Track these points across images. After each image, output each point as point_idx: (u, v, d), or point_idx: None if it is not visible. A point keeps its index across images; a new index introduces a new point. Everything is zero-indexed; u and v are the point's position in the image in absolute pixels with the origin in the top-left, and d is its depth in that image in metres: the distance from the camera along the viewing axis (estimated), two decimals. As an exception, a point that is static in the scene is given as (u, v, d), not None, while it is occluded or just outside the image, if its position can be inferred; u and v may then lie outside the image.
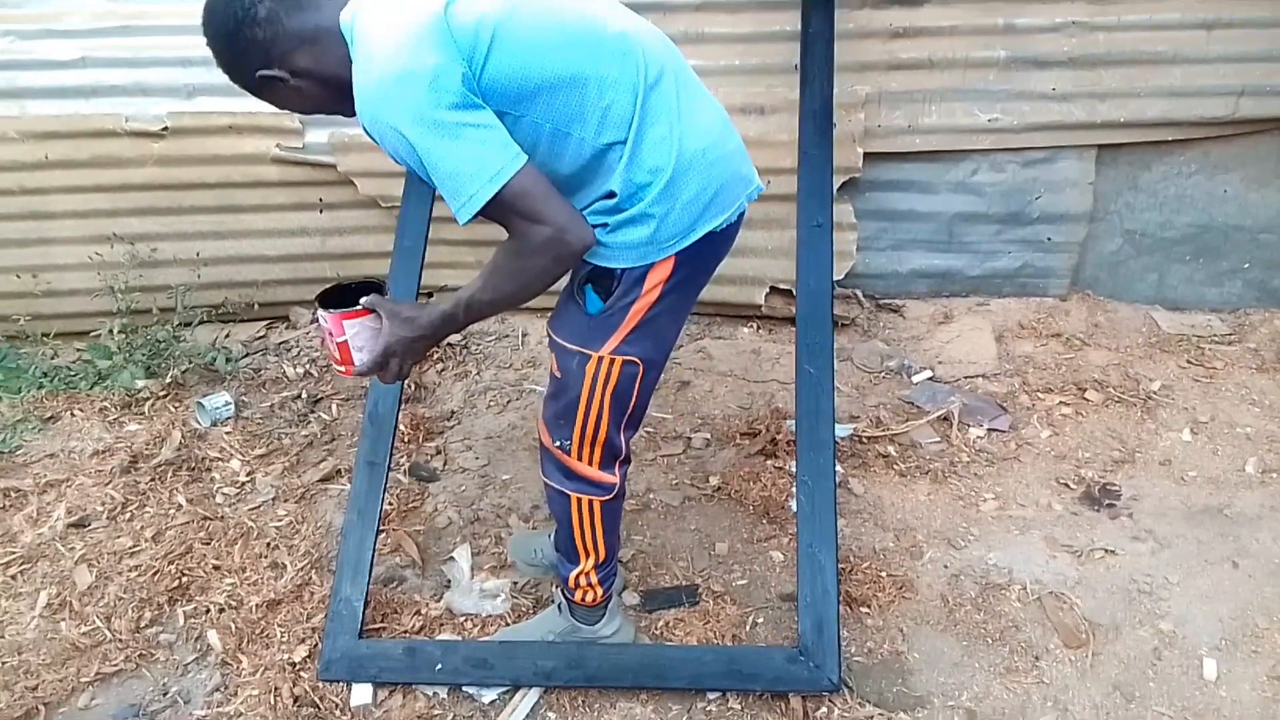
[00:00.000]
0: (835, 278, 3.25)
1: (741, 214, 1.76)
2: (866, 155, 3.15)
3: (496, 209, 1.47)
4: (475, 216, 1.47)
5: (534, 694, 2.07)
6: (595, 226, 1.58)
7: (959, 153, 3.21)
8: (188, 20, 3.12)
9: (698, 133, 1.62)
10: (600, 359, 1.71)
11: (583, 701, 2.05)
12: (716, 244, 1.72)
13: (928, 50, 3.05)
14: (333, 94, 1.57)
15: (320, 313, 1.71)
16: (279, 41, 1.52)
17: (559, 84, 1.50)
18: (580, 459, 1.84)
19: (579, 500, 1.89)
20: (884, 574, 2.32)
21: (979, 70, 3.07)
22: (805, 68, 2.65)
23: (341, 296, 1.72)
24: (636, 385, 1.76)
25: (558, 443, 1.84)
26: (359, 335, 1.69)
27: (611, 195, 1.58)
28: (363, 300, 1.69)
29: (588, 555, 1.97)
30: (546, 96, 1.50)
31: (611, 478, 1.88)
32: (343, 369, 1.74)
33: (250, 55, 1.53)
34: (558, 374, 1.79)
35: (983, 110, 3.12)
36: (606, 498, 1.90)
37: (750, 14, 3.04)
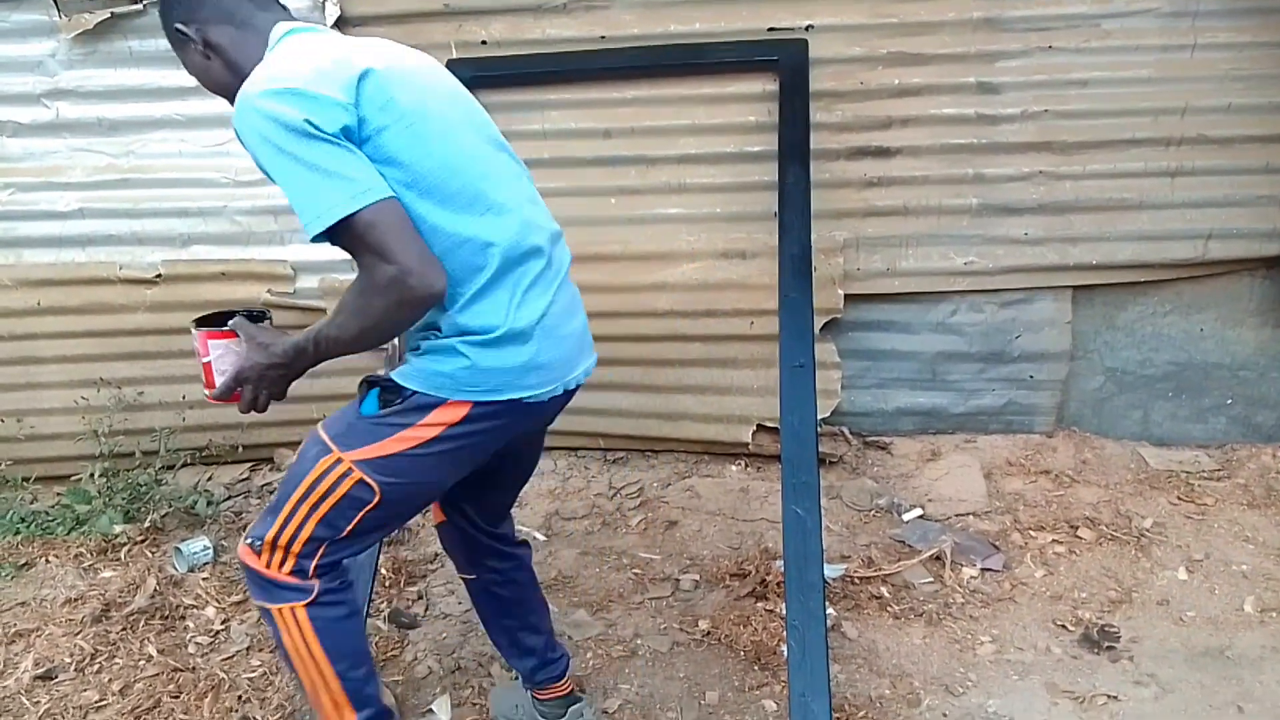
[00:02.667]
0: (821, 416, 3.28)
1: (559, 395, 1.70)
2: (847, 297, 3.22)
3: (346, 235, 1.42)
4: (325, 236, 1.42)
5: None
6: (410, 350, 1.58)
7: (937, 294, 3.29)
8: (185, 174, 3.27)
9: (537, 308, 1.61)
10: (339, 461, 1.59)
11: None
12: (521, 414, 1.64)
13: (902, 198, 3.17)
14: (231, 82, 1.58)
15: (193, 331, 1.70)
16: (206, 6, 1.59)
17: (434, 189, 1.51)
18: (269, 564, 1.64)
19: (280, 612, 1.66)
20: (880, 724, 2.24)
21: (953, 216, 3.18)
22: (783, 216, 2.75)
23: (222, 320, 1.70)
24: (360, 514, 1.61)
25: (249, 539, 1.66)
26: (223, 358, 1.67)
27: (435, 328, 1.57)
28: (229, 322, 1.67)
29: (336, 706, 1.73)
30: (419, 190, 1.50)
31: (306, 582, 1.65)
32: (207, 392, 1.69)
33: (177, 5, 1.61)
34: (293, 459, 1.69)
35: (958, 254, 3.21)
36: (306, 601, 1.66)
37: (729, 165, 3.17)
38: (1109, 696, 2.30)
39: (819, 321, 3.16)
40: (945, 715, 2.28)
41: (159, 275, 3.33)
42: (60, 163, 3.28)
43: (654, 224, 3.26)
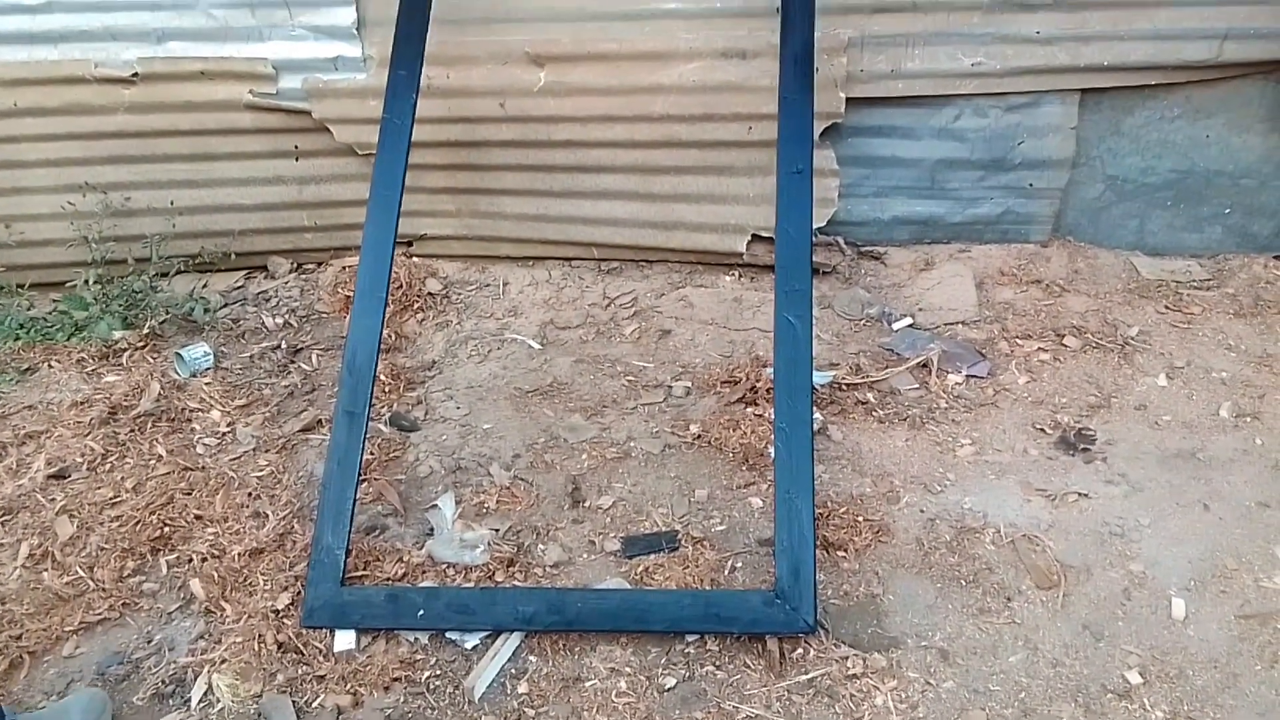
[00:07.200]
0: (817, 225, 3.25)
1: None
2: (849, 100, 3.12)
3: None
4: None
5: (515, 638, 2.09)
6: None
7: (942, 98, 3.18)
8: (154, -38, 3.07)
9: None
10: None
11: (563, 645, 2.08)
12: None
13: (912, -8, 3.01)
14: None
15: None
16: None
17: None
18: None
19: None
20: (861, 519, 2.35)
21: (963, 13, 3.03)
22: (786, 11, 2.62)
23: None
24: None
25: None
26: None
27: None
28: None
29: None
30: None
31: None
32: None
33: None
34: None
35: (966, 54, 3.09)
36: None
37: (731, -45, 2.99)
38: (1080, 494, 2.41)
39: (819, 126, 3.07)
40: (923, 511, 2.39)
41: (135, 74, 3.20)
42: (21, -49, 3.09)
43: (651, 20, 3.10)
